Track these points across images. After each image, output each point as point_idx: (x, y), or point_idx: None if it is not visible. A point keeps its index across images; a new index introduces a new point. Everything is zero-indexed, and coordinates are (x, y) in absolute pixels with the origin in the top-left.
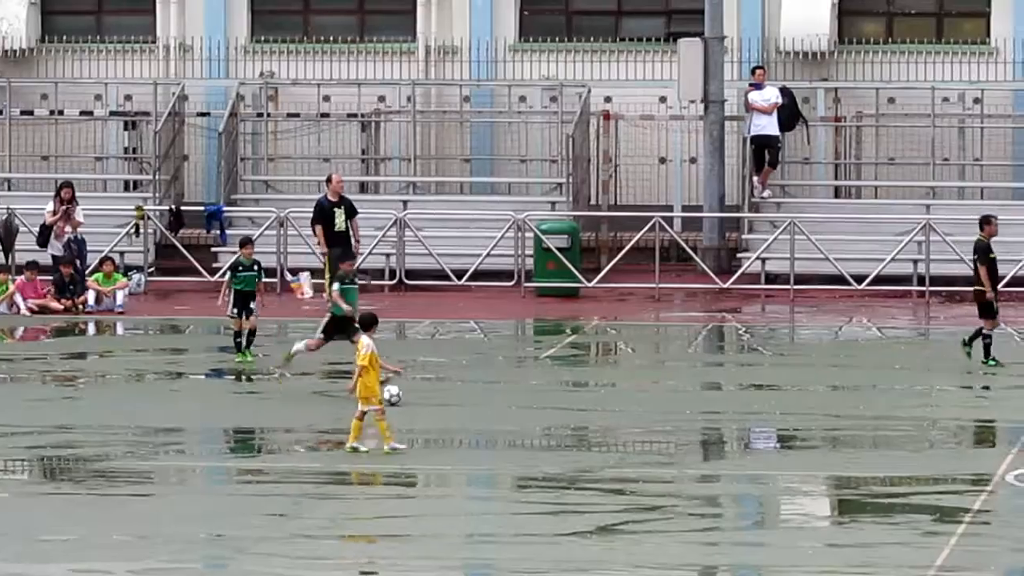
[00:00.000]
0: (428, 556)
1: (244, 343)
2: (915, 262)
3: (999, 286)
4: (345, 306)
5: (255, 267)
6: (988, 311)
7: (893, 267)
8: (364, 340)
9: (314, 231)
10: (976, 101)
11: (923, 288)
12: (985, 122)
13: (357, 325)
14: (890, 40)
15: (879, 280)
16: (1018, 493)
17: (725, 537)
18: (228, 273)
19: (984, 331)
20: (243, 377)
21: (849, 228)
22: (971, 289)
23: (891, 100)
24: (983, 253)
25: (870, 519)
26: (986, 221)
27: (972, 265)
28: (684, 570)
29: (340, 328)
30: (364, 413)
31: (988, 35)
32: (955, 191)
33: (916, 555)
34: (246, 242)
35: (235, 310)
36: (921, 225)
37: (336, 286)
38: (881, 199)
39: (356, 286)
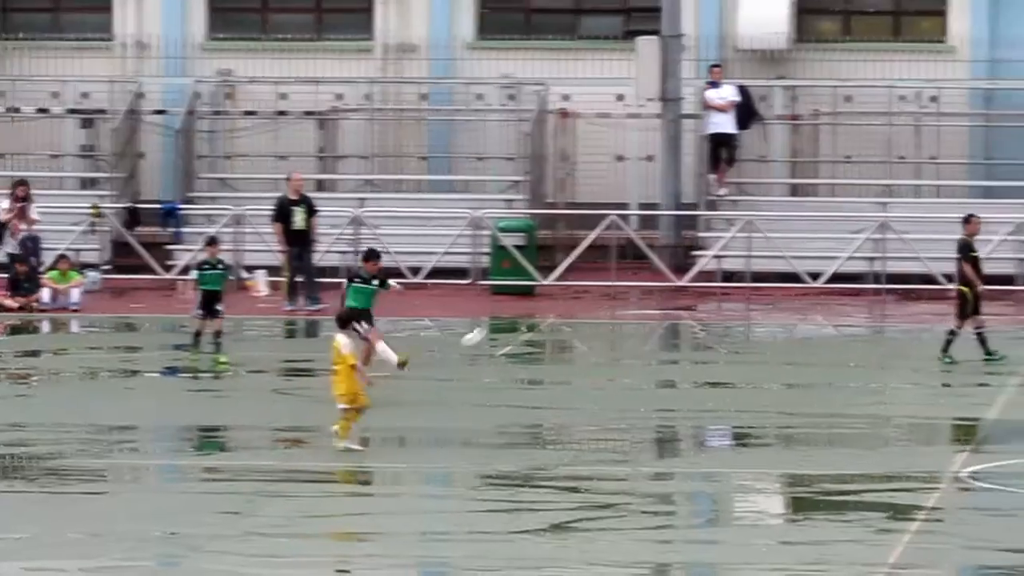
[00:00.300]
0: (382, 554)
1: (202, 344)
2: (871, 260)
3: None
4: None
5: (220, 266)
6: (964, 310)
7: (849, 265)
8: (343, 339)
9: (274, 229)
10: (933, 99)
11: (879, 286)
12: (941, 120)
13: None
14: (848, 39)
15: (835, 278)
16: (970, 490)
17: (679, 535)
18: (195, 272)
19: (953, 328)
20: (199, 374)
21: (805, 226)
22: (927, 287)
23: (848, 98)
24: (965, 251)
25: (823, 516)
26: (967, 219)
27: (956, 263)
28: (637, 568)
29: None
30: (358, 409)
31: (946, 34)
32: (911, 189)
33: (869, 552)
34: (212, 241)
35: (200, 311)
36: (877, 223)
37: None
38: (838, 197)
39: (372, 287)
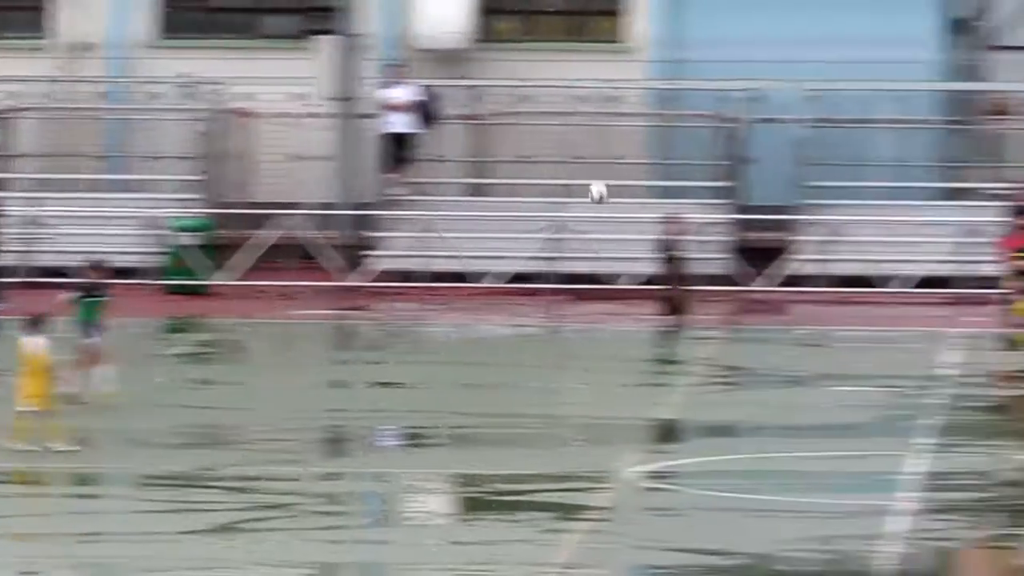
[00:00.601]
0: (50, 555)
1: None
2: (548, 260)
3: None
4: None
5: None
6: (669, 309)
7: (526, 265)
8: (32, 340)
9: None
10: (612, 100)
11: (555, 286)
12: (621, 121)
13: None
14: (527, 39)
15: (513, 278)
16: (641, 490)
17: (349, 535)
18: None
19: (670, 327)
20: None
21: (483, 226)
22: (603, 287)
23: (528, 98)
24: (665, 252)
25: (495, 516)
26: (667, 220)
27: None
28: (307, 568)
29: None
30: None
31: (625, 34)
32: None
33: (539, 552)
34: None
35: None
36: (555, 223)
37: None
38: (517, 197)
39: (99, 299)
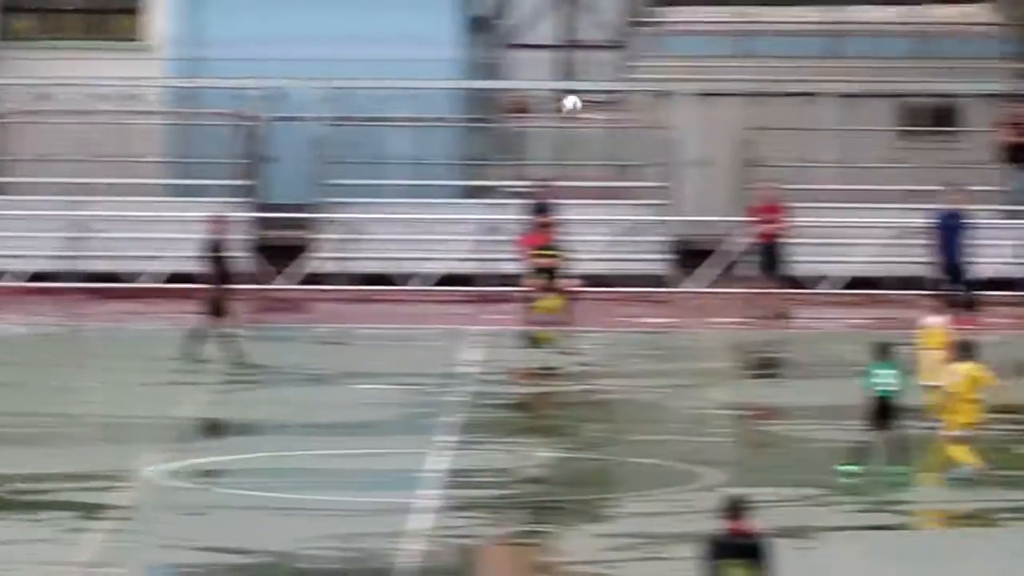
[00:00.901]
0: None
1: None
2: (68, 258)
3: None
4: None
5: None
6: (212, 308)
7: (47, 263)
8: None
9: None
10: (132, 98)
11: (76, 284)
12: (140, 119)
13: None
14: (46, 37)
15: (33, 276)
16: (163, 489)
17: None
18: None
19: (203, 328)
20: None
21: (3, 225)
22: (123, 286)
23: (47, 97)
24: (210, 251)
25: (15, 516)
26: (212, 220)
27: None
28: None
29: None
30: None
31: (144, 32)
32: (110, 188)
33: (61, 551)
34: None
35: None
36: (75, 222)
37: None
38: (37, 196)
39: None
